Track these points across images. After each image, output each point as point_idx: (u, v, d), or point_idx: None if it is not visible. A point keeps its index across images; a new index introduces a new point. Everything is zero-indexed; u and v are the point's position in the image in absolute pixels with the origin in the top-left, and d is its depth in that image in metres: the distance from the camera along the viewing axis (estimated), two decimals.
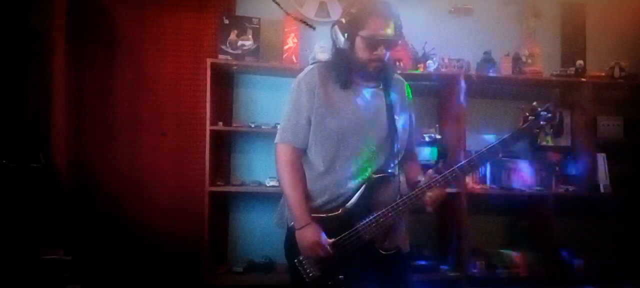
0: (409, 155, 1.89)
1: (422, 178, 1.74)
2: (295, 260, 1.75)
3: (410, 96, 1.89)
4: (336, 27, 1.74)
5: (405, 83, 1.90)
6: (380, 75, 1.79)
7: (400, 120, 1.80)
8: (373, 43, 1.70)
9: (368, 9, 1.70)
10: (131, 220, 3.09)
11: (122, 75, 3.15)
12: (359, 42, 1.71)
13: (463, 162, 1.68)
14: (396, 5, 1.74)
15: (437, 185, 1.68)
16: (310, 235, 1.69)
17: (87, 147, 3.10)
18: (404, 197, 1.71)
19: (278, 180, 1.83)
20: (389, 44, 1.72)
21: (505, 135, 1.68)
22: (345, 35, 1.72)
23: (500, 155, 1.69)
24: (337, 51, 1.78)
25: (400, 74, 1.96)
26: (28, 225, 2.50)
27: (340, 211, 1.73)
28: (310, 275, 1.73)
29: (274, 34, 3.26)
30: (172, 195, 3.17)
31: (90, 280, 2.74)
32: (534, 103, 1.68)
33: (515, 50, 3.37)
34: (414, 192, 1.70)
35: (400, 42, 1.77)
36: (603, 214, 3.41)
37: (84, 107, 3.10)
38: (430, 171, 1.71)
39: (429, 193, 1.68)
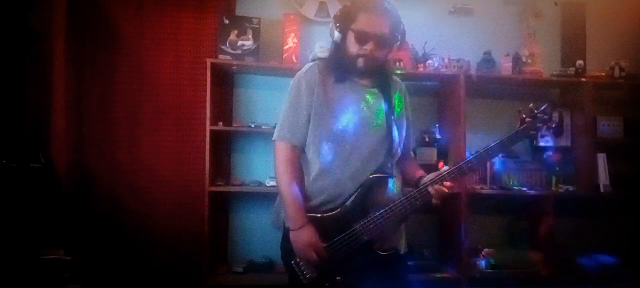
0: (407, 156, 1.89)
1: (423, 176, 1.75)
2: (292, 262, 1.74)
3: (407, 97, 1.89)
4: (332, 20, 1.76)
5: (403, 84, 1.90)
6: (377, 75, 1.78)
7: (398, 121, 1.80)
8: (361, 37, 1.69)
9: (361, 3, 1.71)
10: (131, 220, 3.10)
11: (122, 75, 3.15)
12: (350, 36, 1.72)
13: (462, 163, 1.68)
14: (394, 5, 1.73)
15: (441, 180, 1.67)
16: (305, 237, 1.68)
17: (87, 147, 3.10)
18: (405, 197, 1.70)
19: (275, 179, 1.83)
20: (379, 40, 1.70)
21: (503, 138, 1.67)
22: (339, 28, 1.73)
23: (498, 155, 1.70)
24: (333, 46, 1.79)
25: (400, 74, 1.96)
26: (28, 225, 2.50)
27: (338, 211, 1.72)
28: (307, 276, 1.72)
29: (274, 34, 3.25)
30: (172, 195, 3.16)
31: (90, 280, 2.74)
32: (531, 105, 1.68)
33: (515, 50, 3.36)
34: (417, 190, 1.70)
35: (396, 42, 1.75)
36: (603, 214, 3.41)
37: (84, 107, 3.10)
38: (444, 166, 1.71)
39: (435, 187, 1.67)
